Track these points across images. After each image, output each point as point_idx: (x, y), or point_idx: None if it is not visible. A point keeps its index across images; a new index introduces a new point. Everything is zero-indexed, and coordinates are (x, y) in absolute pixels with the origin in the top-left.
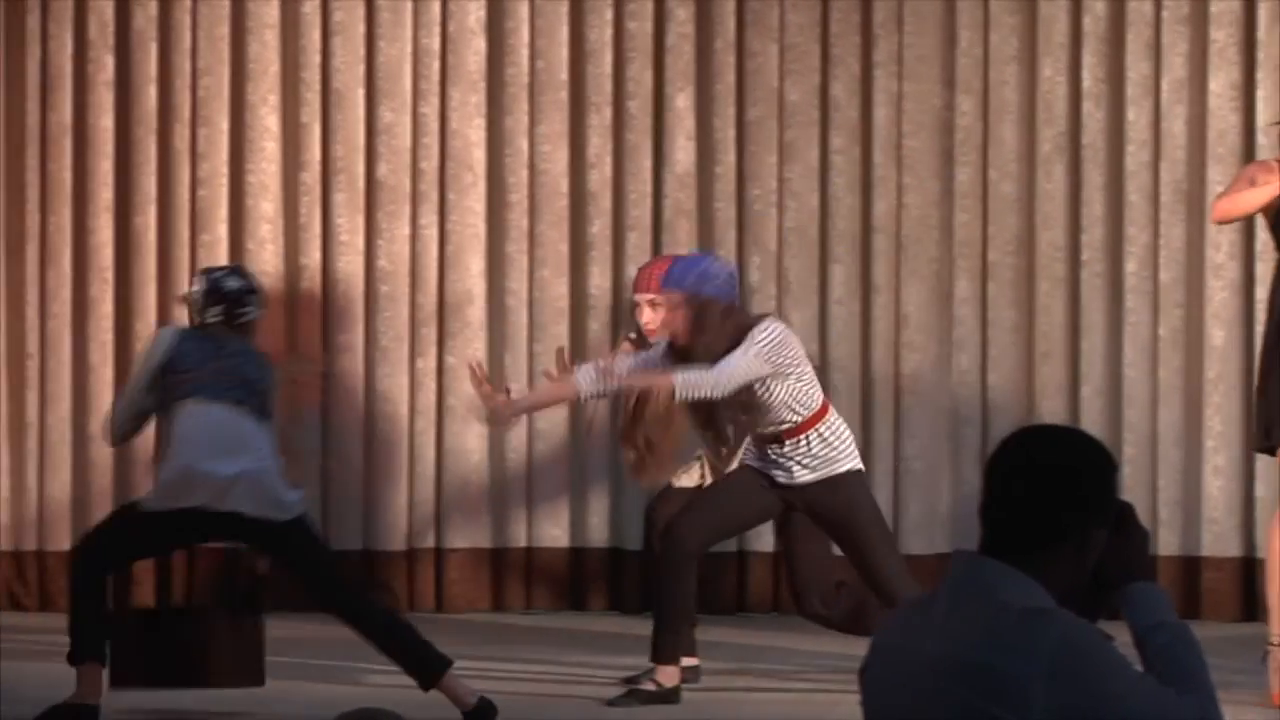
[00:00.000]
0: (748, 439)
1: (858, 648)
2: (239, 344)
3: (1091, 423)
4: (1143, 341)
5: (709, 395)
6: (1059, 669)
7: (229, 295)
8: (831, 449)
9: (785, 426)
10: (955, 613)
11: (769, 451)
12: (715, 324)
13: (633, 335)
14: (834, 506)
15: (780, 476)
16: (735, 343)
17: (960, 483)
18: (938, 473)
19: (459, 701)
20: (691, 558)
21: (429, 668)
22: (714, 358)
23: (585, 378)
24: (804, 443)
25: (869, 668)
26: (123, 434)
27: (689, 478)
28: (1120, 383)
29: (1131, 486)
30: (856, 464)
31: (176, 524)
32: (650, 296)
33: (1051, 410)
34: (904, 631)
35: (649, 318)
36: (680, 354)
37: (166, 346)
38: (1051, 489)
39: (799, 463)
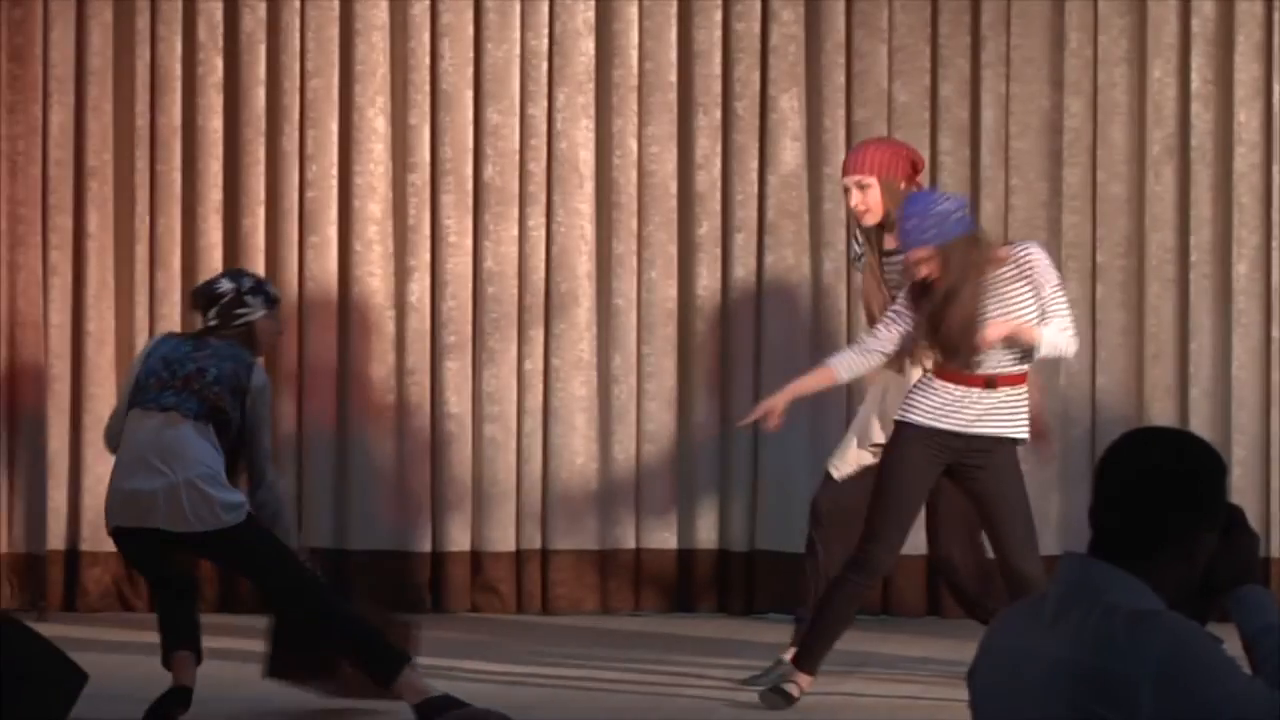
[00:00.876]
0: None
1: (965, 651)
2: (218, 347)
3: (1201, 425)
4: (1253, 344)
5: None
6: (1168, 672)
7: (219, 297)
8: (1023, 410)
9: (1008, 371)
10: (1065, 615)
11: (962, 396)
12: (961, 259)
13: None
14: (997, 469)
15: (957, 424)
16: (979, 271)
17: (1069, 485)
18: (1045, 474)
19: (417, 694)
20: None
21: (388, 665)
22: (970, 289)
23: (843, 362)
24: (1014, 394)
25: (977, 670)
26: (113, 443)
27: (845, 465)
28: (1230, 385)
29: (1242, 489)
30: (1026, 435)
31: (136, 542)
32: (858, 179)
33: (1161, 412)
34: (1013, 633)
35: (857, 200)
36: (944, 296)
37: (145, 352)
38: (1162, 492)
39: (994, 413)
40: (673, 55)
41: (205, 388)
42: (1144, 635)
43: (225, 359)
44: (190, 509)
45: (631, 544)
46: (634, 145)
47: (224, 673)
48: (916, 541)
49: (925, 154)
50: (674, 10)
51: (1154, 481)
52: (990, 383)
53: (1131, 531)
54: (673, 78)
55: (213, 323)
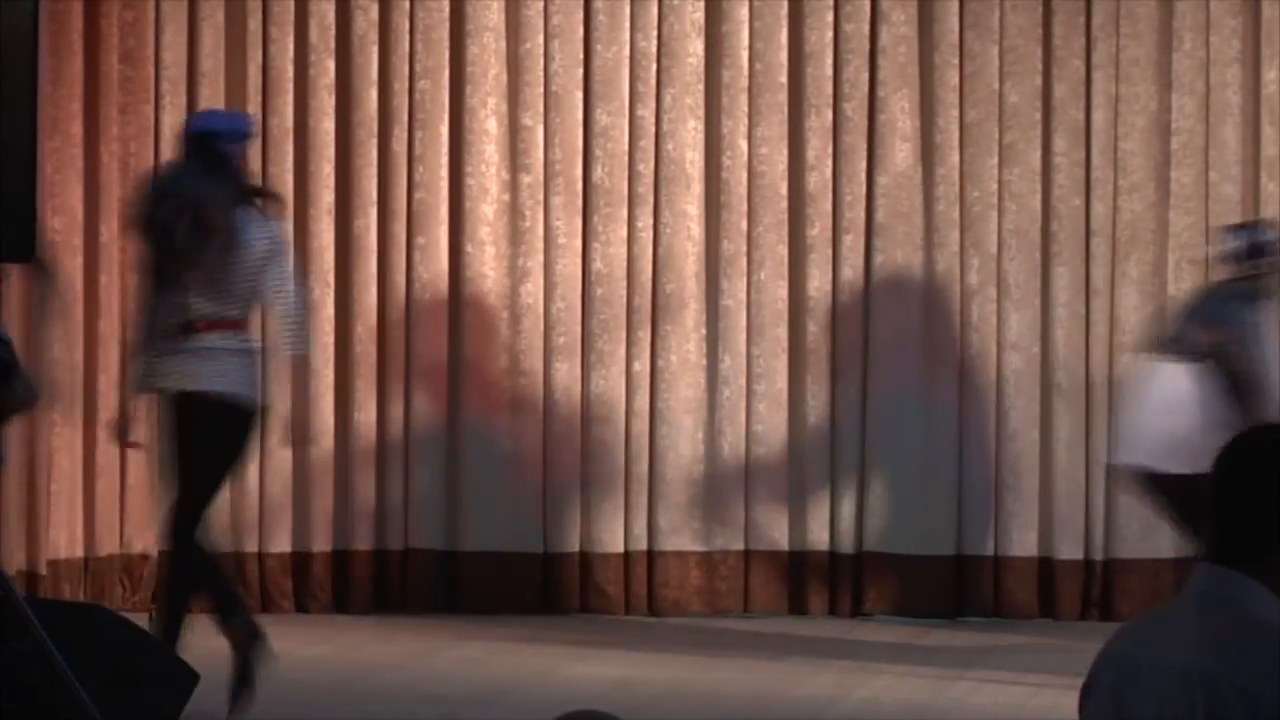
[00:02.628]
0: None
1: (1075, 653)
2: None
3: None
4: None
5: None
6: None
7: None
8: None
9: None
10: (1203, 625)
11: None
12: None
13: None
14: None
15: None
16: None
17: None
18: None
19: None
20: None
21: None
22: None
23: None
24: None
25: (1098, 679)
26: None
27: None
28: None
29: None
30: None
31: None
32: None
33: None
34: (1140, 643)
35: None
36: None
37: None
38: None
39: None
40: (783, 56)
41: None
42: None
43: None
44: None
45: (740, 545)
46: (744, 146)
47: None
48: (1025, 542)
49: (1036, 155)
50: (784, 11)
51: (1275, 480)
52: None
53: (1257, 539)
54: (783, 79)
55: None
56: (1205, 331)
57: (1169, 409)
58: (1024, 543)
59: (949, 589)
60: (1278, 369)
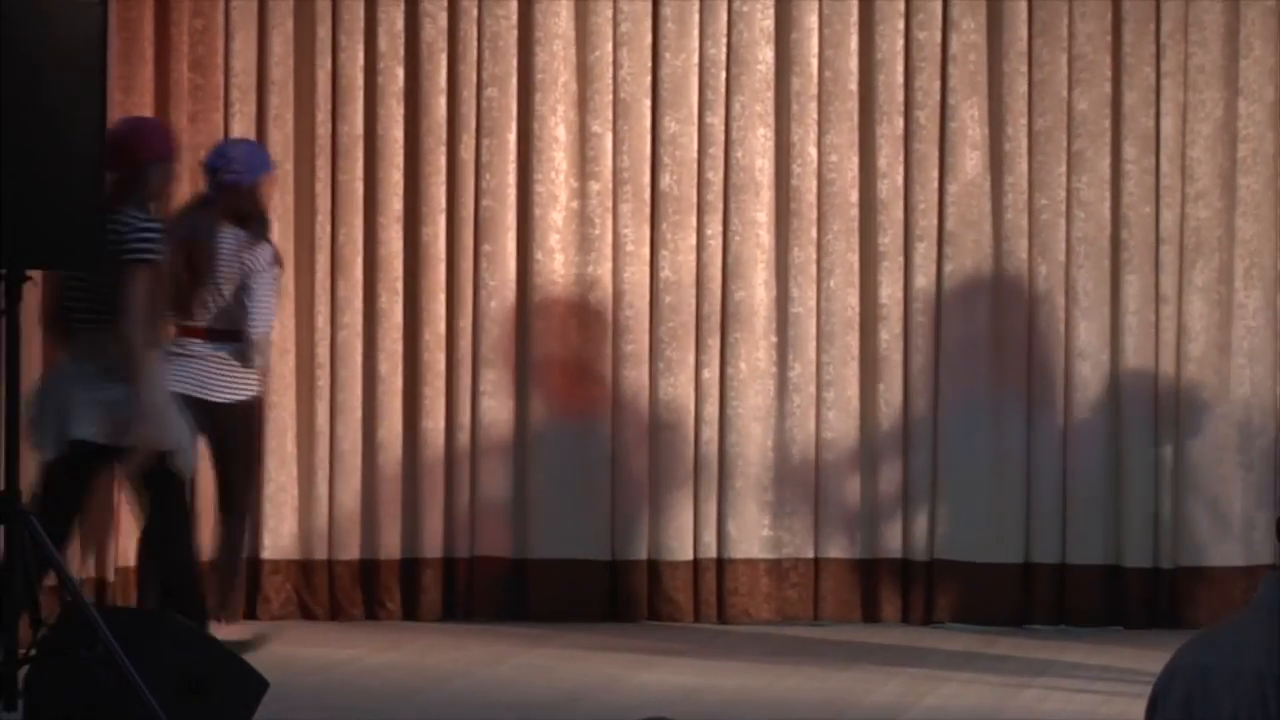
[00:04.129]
0: None
1: (1144, 661)
2: None
3: None
4: None
5: None
6: None
7: None
8: None
9: None
10: (1272, 633)
11: None
12: None
13: None
14: None
15: None
16: None
17: (1248, 494)
18: (1228, 484)
19: None
20: None
21: None
22: None
23: None
24: None
25: (1166, 690)
26: None
27: None
28: None
29: None
30: None
31: None
32: None
33: None
34: (1210, 652)
35: None
36: None
37: None
38: None
39: None
40: (853, 64)
41: None
42: None
43: None
44: None
45: (811, 553)
46: (814, 154)
47: None
48: (1093, 550)
49: (1105, 163)
50: (854, 19)
51: None
52: None
53: None
54: (853, 86)
55: None
56: None
57: None
58: (1092, 550)
59: (1018, 596)
60: None
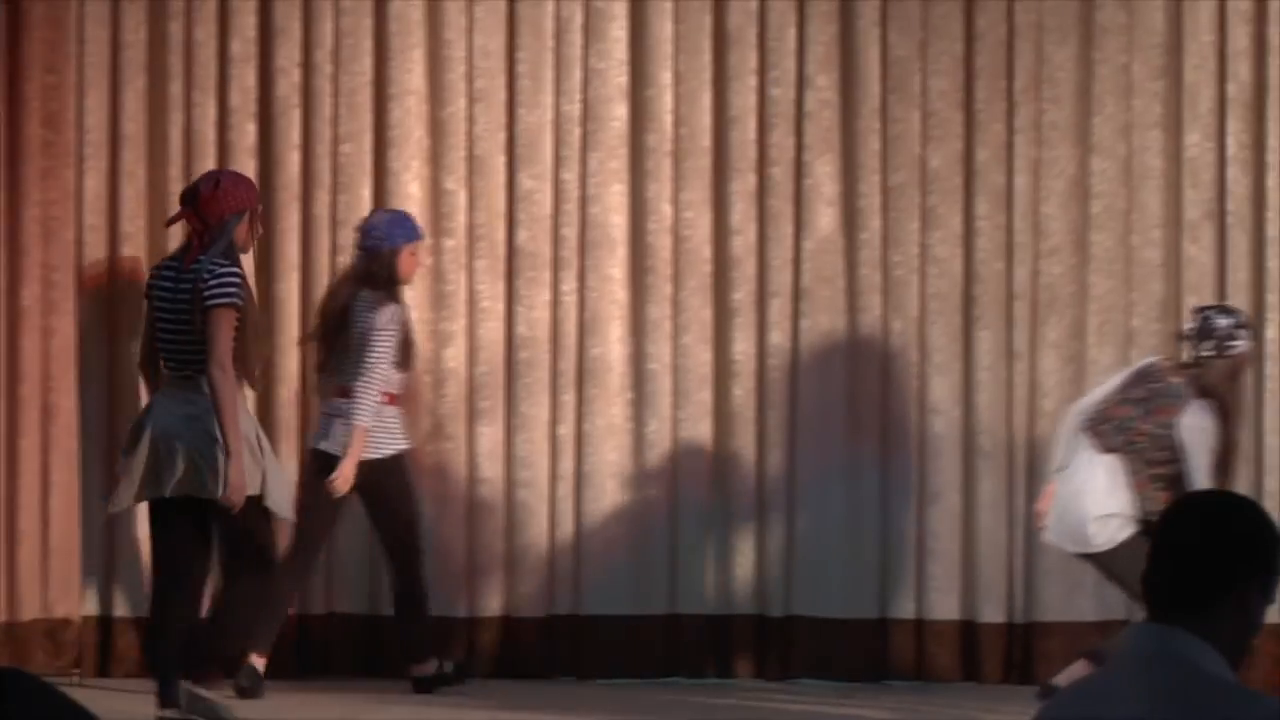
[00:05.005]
0: None
1: (1002, 716)
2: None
3: (1238, 489)
4: None
5: None
6: None
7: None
8: None
9: None
10: (1153, 681)
11: None
12: None
13: None
14: None
15: None
16: None
17: None
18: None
19: None
20: None
21: None
22: None
23: None
24: None
25: None
26: None
27: None
28: (1262, 450)
29: None
30: None
31: None
32: None
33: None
34: (1082, 706)
35: None
36: None
37: None
38: (1234, 557)
39: None
40: (707, 120)
41: None
42: (1250, 712)
43: None
44: None
45: (664, 609)
46: (669, 210)
47: None
48: (948, 605)
49: (958, 219)
50: (708, 75)
51: (1225, 547)
52: None
53: (1197, 596)
54: (707, 143)
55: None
56: (1142, 418)
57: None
58: (947, 606)
59: (874, 651)
60: (1205, 461)
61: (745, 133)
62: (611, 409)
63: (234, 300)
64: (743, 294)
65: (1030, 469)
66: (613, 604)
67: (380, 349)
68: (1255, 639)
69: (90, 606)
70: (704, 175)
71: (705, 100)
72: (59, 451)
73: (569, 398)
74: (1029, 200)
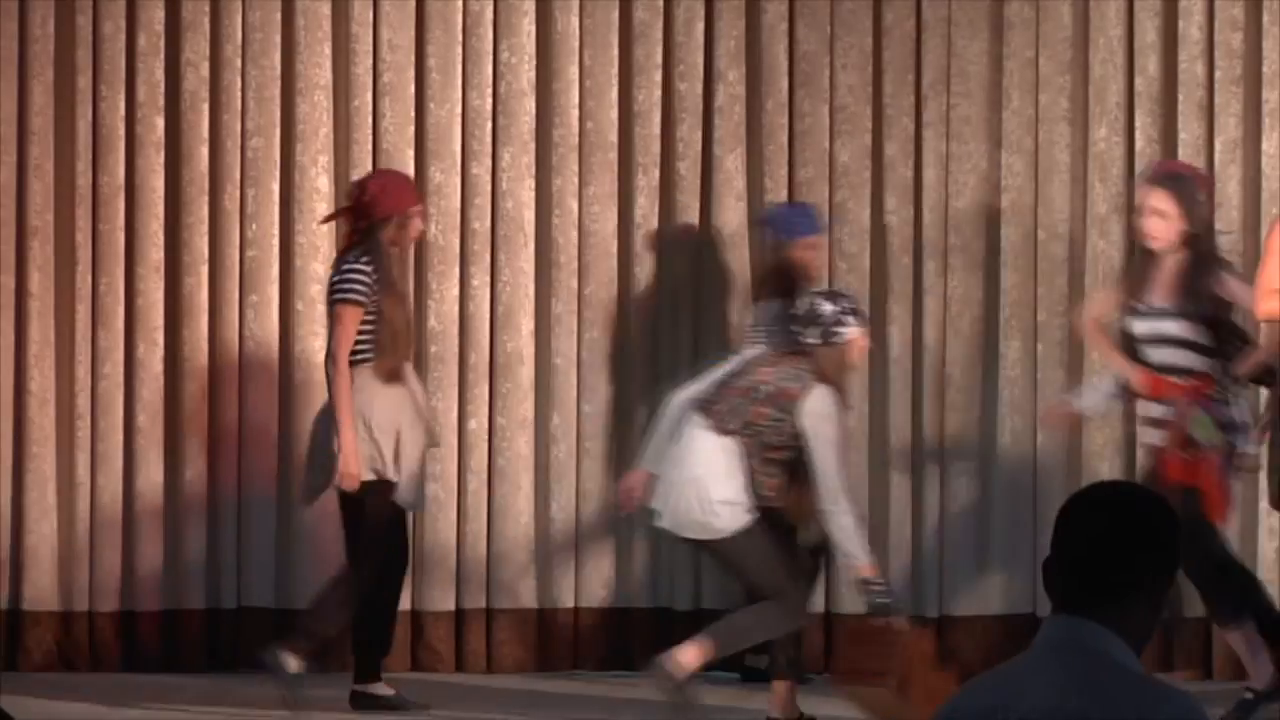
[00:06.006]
0: None
1: None
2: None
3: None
4: None
5: None
6: None
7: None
8: None
9: None
10: (1066, 671)
11: None
12: None
13: None
14: None
15: None
16: None
17: (1009, 544)
18: (989, 533)
19: None
20: None
21: None
22: None
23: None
24: None
25: None
26: None
27: None
28: None
29: None
30: None
31: None
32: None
33: (1102, 473)
34: (995, 695)
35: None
36: None
37: None
38: (1136, 545)
39: None
40: (614, 115)
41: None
42: (1157, 702)
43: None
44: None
45: (571, 603)
46: (575, 205)
47: None
48: (854, 599)
49: (866, 214)
50: (615, 71)
51: (1128, 535)
52: None
53: (1105, 586)
54: (614, 137)
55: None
56: (761, 402)
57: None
58: (855, 599)
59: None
60: (827, 448)
61: (650, 127)
62: (523, 403)
63: (351, 297)
64: (645, 288)
65: (941, 463)
66: (520, 598)
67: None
68: (1159, 628)
69: None
70: (610, 169)
71: (611, 95)
72: None
73: (480, 391)
74: (938, 195)
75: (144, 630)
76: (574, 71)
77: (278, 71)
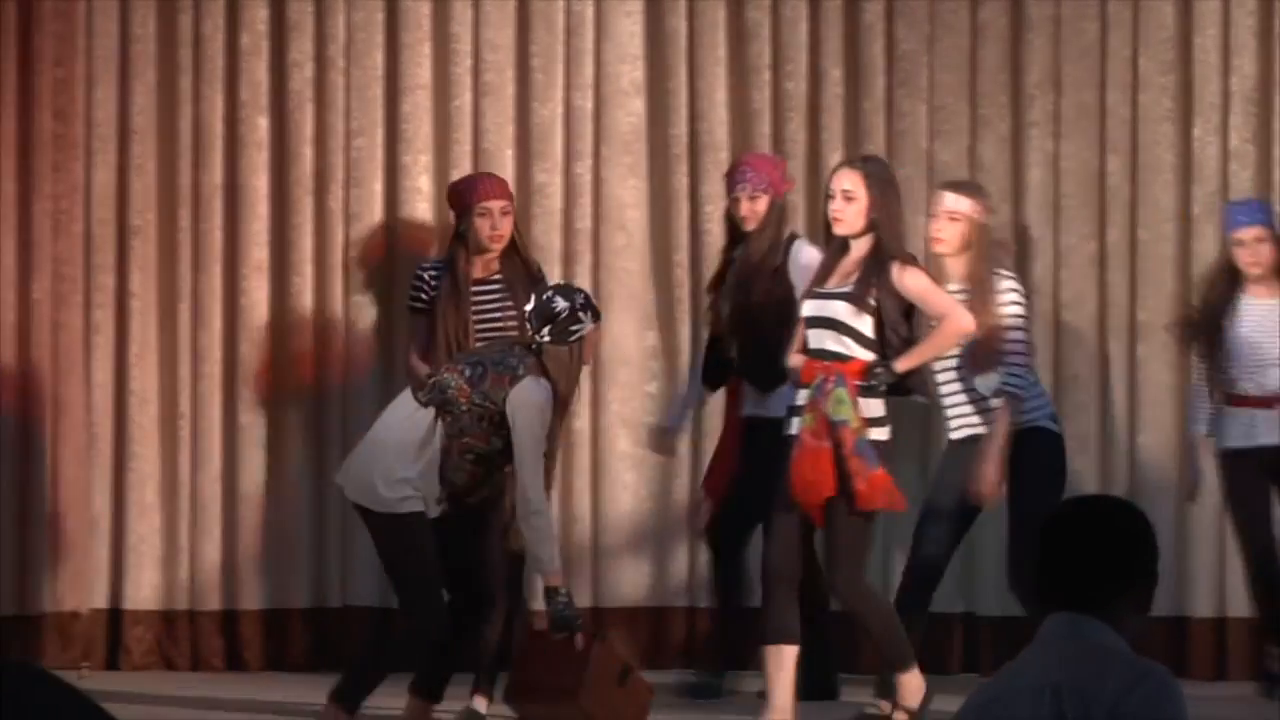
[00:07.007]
0: None
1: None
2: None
3: None
4: None
5: None
6: (1137, 699)
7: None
8: None
9: None
10: (1059, 653)
11: None
12: None
13: None
14: None
15: None
16: None
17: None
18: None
19: None
20: None
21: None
22: None
23: None
24: None
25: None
26: None
27: None
28: None
29: None
30: None
31: None
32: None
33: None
34: (999, 681)
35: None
36: None
37: None
38: (1127, 550)
39: None
40: (724, 114)
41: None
42: (1138, 675)
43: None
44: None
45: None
46: (685, 205)
47: None
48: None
49: None
50: (723, 70)
51: (1119, 541)
52: None
53: (1098, 587)
54: (724, 136)
55: (545, 339)
56: (469, 384)
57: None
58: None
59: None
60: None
61: (762, 126)
62: (630, 402)
63: (409, 303)
64: None
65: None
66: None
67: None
68: (1143, 625)
69: (99, 599)
70: (721, 169)
71: (722, 95)
72: (68, 445)
73: (583, 391)
74: (1043, 194)
75: (246, 629)
76: (683, 72)
77: (380, 71)
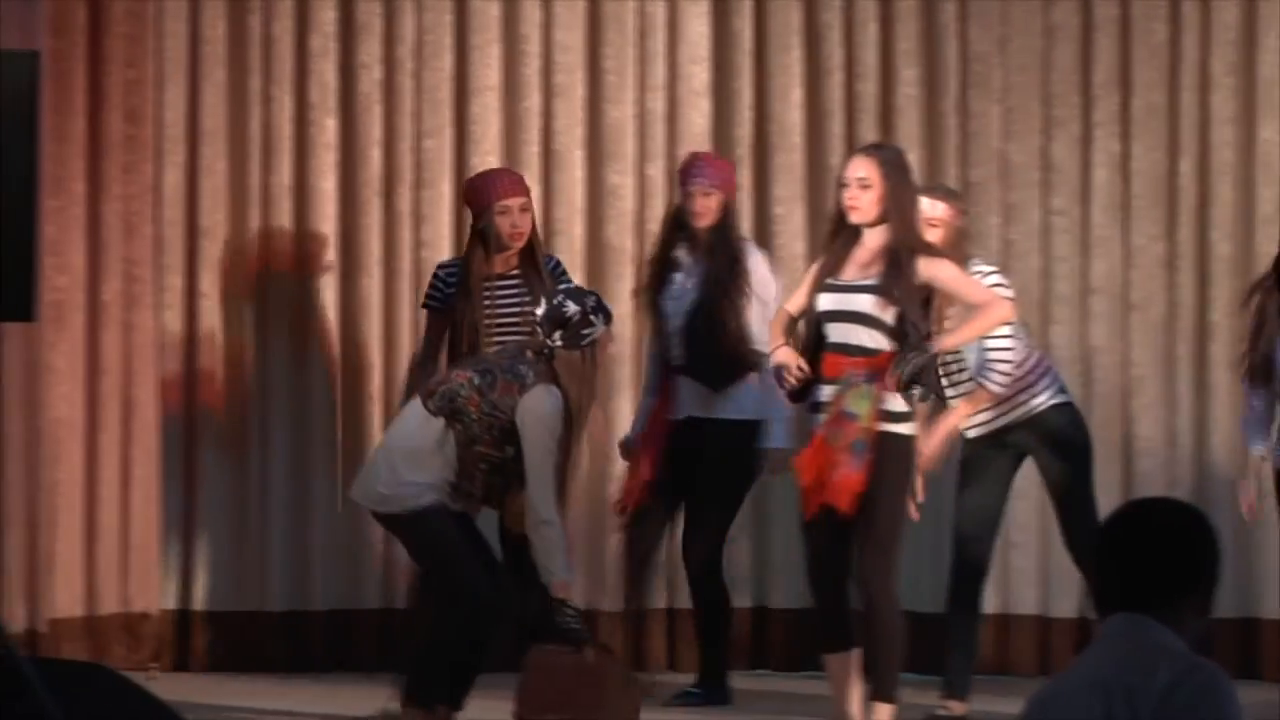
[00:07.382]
0: None
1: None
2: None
3: None
4: None
5: None
6: (1185, 694)
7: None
8: None
9: None
10: (1112, 650)
11: None
12: None
13: None
14: None
15: None
16: None
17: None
18: None
19: None
20: None
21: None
22: None
23: None
24: None
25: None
26: None
27: None
28: None
29: None
30: None
31: None
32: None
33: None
34: (1058, 679)
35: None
36: None
37: None
38: (1195, 553)
39: None
40: (797, 115)
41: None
42: (1189, 670)
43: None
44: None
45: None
46: (752, 205)
47: None
48: (1026, 599)
49: (1036, 215)
50: (798, 71)
51: (1180, 543)
52: None
53: (1158, 589)
54: (797, 138)
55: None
56: (478, 391)
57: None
58: (1024, 599)
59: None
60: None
61: (835, 126)
62: None
63: (424, 303)
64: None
65: (1127, 464)
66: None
67: None
68: (1204, 627)
69: (169, 600)
70: (793, 170)
71: (796, 95)
72: (139, 446)
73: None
74: (1110, 194)
75: (313, 630)
76: (752, 73)
77: (449, 73)
